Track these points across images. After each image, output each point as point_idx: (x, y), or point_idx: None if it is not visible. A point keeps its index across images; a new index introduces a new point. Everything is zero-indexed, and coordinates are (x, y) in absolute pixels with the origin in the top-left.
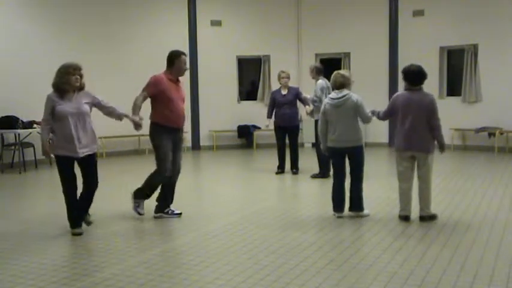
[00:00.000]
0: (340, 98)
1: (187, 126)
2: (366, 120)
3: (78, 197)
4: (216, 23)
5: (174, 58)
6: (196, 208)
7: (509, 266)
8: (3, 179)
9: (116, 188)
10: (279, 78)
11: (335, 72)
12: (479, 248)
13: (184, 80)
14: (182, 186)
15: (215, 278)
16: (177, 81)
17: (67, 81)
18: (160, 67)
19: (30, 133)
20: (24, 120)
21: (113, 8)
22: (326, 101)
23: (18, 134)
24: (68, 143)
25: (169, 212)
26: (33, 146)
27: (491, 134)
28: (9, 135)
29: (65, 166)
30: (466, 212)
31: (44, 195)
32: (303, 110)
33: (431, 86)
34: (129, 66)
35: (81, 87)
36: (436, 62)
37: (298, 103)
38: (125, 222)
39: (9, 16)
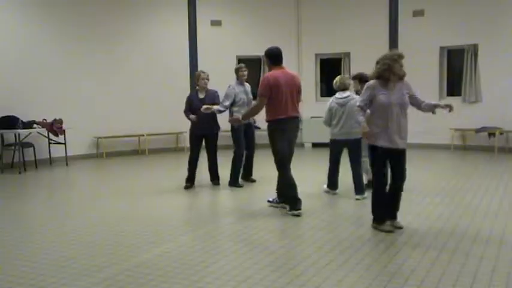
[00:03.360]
0: (344, 98)
1: (185, 127)
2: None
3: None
4: (216, 23)
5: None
6: (196, 208)
7: (509, 266)
8: (3, 179)
9: (116, 189)
10: (198, 78)
11: (339, 76)
12: (479, 248)
13: (185, 80)
14: (181, 185)
15: (215, 278)
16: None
17: (391, 68)
18: (160, 67)
19: (30, 133)
20: (24, 120)
21: (113, 8)
22: (333, 100)
23: (18, 134)
24: (387, 134)
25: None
26: (33, 146)
27: (491, 134)
28: (9, 135)
29: (384, 158)
30: (466, 212)
31: (44, 196)
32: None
33: (431, 86)
34: (130, 66)
35: (402, 76)
36: (436, 62)
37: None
38: (124, 223)
39: (10, 17)
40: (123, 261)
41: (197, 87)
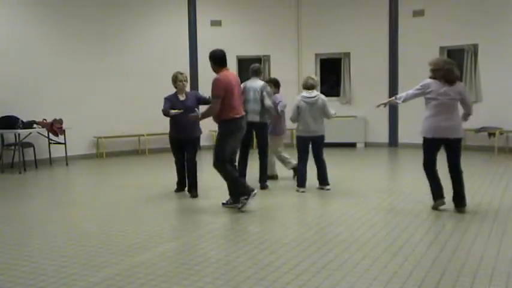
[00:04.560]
0: (313, 97)
1: None
2: (329, 117)
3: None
4: (216, 23)
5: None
6: (197, 208)
7: (509, 265)
8: (3, 179)
9: (116, 189)
10: (176, 81)
11: (306, 76)
12: (479, 247)
13: None
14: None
15: (215, 278)
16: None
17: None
18: (160, 67)
19: (30, 133)
20: (24, 120)
21: (113, 8)
22: (299, 98)
23: (18, 134)
24: None
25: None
26: (33, 146)
27: (491, 134)
28: (9, 135)
29: None
30: (465, 212)
31: (44, 196)
32: None
33: None
34: (129, 66)
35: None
36: None
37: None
38: (124, 222)
39: (10, 17)
40: (123, 261)
41: (175, 90)
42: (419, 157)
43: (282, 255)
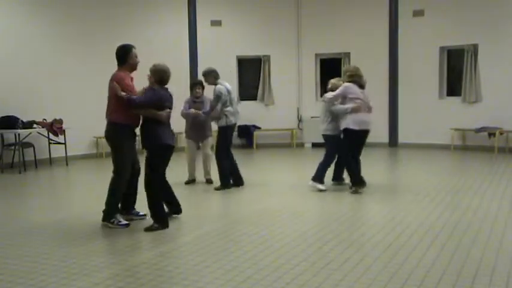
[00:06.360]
0: (323, 98)
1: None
2: (338, 114)
3: None
4: (216, 23)
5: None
6: (196, 208)
7: (509, 265)
8: (3, 179)
9: None
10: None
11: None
12: (479, 248)
13: (184, 80)
14: (183, 187)
15: (215, 278)
16: None
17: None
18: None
19: (30, 133)
20: (24, 120)
21: (113, 8)
22: None
23: (18, 134)
24: None
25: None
26: (33, 146)
27: (491, 134)
28: (9, 135)
29: None
30: (466, 212)
31: (44, 196)
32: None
33: (432, 86)
34: None
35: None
36: (436, 62)
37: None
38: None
39: (9, 16)
40: (123, 261)
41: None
42: (419, 157)
43: (282, 255)
